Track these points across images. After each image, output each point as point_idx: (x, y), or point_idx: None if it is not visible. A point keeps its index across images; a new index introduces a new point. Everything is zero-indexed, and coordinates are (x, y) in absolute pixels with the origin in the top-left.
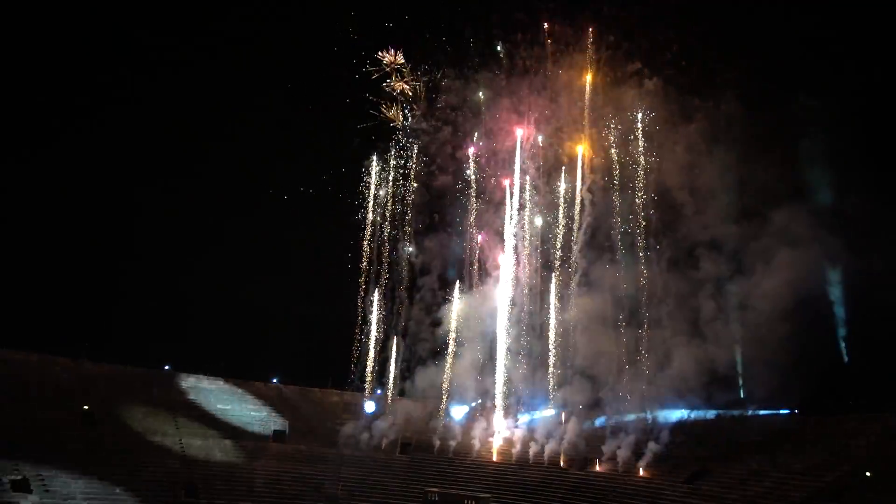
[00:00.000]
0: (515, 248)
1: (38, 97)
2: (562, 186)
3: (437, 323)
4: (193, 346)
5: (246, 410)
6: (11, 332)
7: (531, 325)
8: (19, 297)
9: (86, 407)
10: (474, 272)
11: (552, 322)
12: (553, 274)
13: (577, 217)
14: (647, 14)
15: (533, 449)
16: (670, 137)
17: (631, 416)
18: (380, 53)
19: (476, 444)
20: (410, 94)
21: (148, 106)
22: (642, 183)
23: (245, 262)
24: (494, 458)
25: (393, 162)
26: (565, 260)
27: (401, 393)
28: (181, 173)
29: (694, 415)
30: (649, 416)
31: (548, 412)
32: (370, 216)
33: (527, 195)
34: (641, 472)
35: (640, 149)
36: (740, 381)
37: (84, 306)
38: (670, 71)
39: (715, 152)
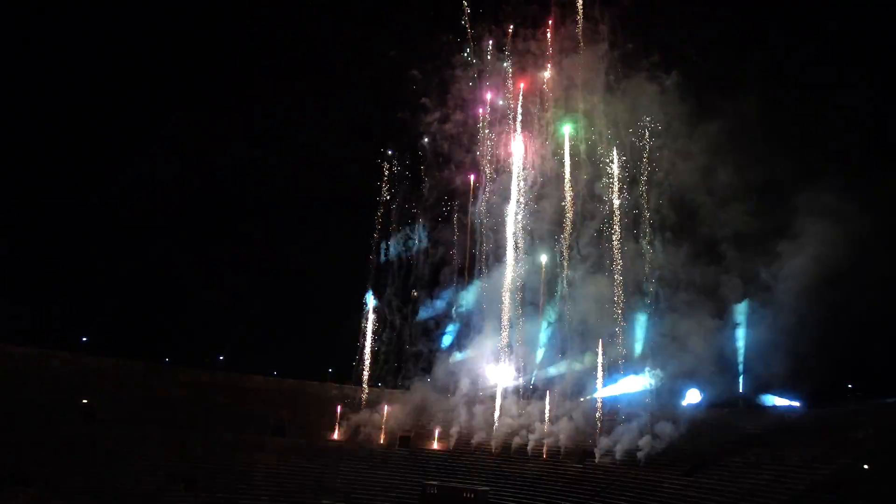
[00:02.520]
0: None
1: (37, 98)
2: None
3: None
4: (193, 341)
5: (245, 404)
6: (11, 327)
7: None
8: (19, 292)
9: (85, 401)
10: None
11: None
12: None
13: (568, 202)
14: (665, 9)
15: (532, 441)
16: (689, 132)
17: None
18: None
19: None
20: None
21: (146, 104)
22: (660, 173)
23: (245, 258)
24: (493, 451)
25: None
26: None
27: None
28: (183, 170)
29: (694, 408)
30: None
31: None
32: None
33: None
34: (641, 465)
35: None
36: (740, 377)
37: (83, 301)
38: (689, 66)
39: (733, 147)
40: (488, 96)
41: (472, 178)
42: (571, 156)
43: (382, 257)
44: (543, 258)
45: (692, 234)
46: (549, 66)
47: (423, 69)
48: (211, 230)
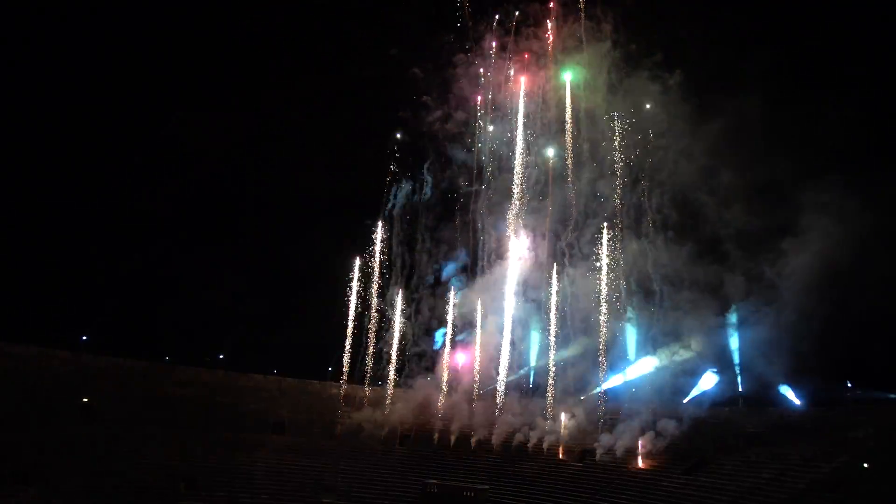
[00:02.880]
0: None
1: (37, 97)
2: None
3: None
4: (193, 340)
5: (245, 403)
6: (11, 326)
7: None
8: (19, 291)
9: (85, 400)
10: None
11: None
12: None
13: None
14: (667, 9)
15: (533, 439)
16: (691, 130)
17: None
18: None
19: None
20: None
21: (146, 103)
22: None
23: (245, 257)
24: (494, 449)
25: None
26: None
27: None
28: (183, 169)
29: (693, 406)
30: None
31: None
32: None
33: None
34: (640, 464)
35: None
36: (738, 377)
37: (83, 300)
38: (691, 66)
39: (735, 145)
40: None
41: (477, 98)
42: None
43: (390, 201)
44: (550, 152)
45: (694, 233)
46: (550, 24)
47: (424, 68)
48: (211, 229)
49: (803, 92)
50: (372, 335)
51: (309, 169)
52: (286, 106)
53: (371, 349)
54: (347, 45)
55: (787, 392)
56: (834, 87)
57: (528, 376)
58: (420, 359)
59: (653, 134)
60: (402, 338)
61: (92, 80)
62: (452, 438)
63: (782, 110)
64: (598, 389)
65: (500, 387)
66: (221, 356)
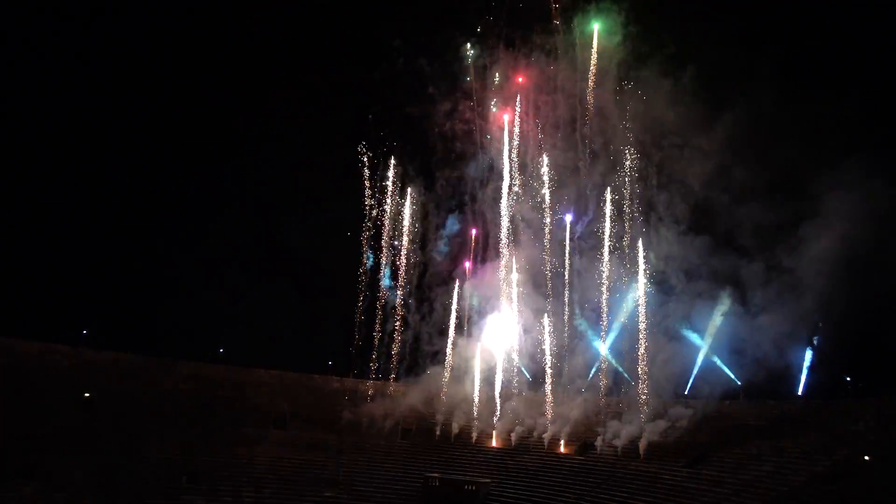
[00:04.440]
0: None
1: (39, 97)
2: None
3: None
4: (194, 334)
5: (247, 397)
6: (12, 321)
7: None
8: (20, 286)
9: (87, 394)
10: None
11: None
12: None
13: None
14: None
15: (536, 431)
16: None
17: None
18: None
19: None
20: None
21: (145, 102)
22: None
23: (247, 254)
24: (494, 444)
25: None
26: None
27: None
28: (187, 164)
29: (694, 400)
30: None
31: None
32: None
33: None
34: (641, 457)
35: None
36: (729, 372)
37: (84, 294)
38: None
39: (750, 139)
40: None
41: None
42: None
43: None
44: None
45: (706, 225)
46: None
47: (429, 60)
48: (213, 225)
49: (809, 90)
50: (377, 329)
51: (309, 169)
52: (286, 106)
53: (376, 343)
54: (347, 44)
55: (802, 377)
56: (836, 86)
57: (528, 368)
58: (433, 357)
59: (664, 128)
60: (417, 339)
61: (93, 79)
62: (454, 432)
63: (792, 106)
64: (599, 359)
65: (499, 378)
66: (222, 350)
